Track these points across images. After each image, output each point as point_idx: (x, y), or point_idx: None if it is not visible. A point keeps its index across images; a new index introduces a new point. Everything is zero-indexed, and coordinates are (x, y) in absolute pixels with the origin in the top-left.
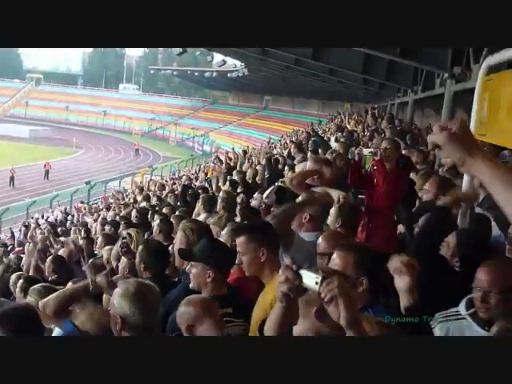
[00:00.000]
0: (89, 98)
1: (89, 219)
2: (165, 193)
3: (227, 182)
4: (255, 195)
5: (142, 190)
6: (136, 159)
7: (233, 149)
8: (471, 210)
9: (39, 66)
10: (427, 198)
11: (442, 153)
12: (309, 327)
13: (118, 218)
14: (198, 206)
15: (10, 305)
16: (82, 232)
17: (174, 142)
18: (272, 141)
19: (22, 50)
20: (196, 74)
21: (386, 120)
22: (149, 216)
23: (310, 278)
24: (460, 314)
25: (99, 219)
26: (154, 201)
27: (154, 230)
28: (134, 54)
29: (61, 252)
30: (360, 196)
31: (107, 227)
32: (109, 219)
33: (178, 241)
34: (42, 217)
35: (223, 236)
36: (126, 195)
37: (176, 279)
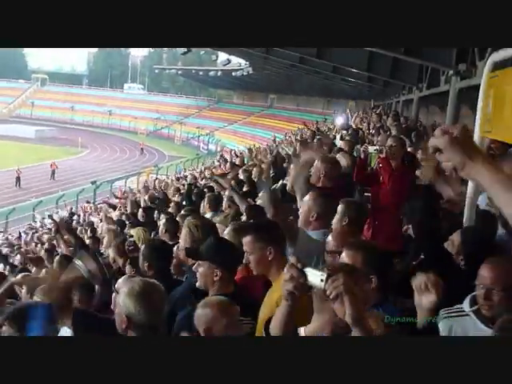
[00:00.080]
0: (94, 97)
1: (95, 219)
2: (170, 192)
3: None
4: (260, 194)
5: (147, 189)
6: (141, 159)
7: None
8: (477, 208)
9: (44, 66)
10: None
11: (442, 156)
12: (325, 322)
13: (123, 217)
14: (204, 204)
15: (17, 305)
16: (88, 232)
17: (179, 141)
18: (277, 139)
19: (26, 51)
20: (201, 73)
21: (391, 117)
22: (155, 215)
23: (315, 276)
24: (464, 311)
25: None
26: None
27: (160, 229)
28: (138, 53)
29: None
30: (366, 194)
31: (113, 226)
32: (115, 219)
33: (183, 238)
34: (50, 216)
35: (225, 236)
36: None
37: (180, 277)
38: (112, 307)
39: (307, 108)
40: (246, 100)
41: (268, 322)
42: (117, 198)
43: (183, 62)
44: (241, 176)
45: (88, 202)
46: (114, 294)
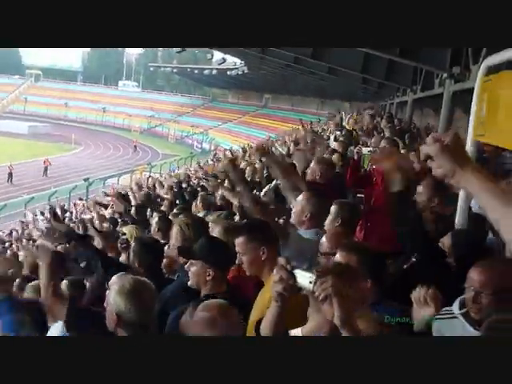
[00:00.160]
0: (88, 94)
1: (87, 216)
2: (163, 190)
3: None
4: (264, 191)
5: (140, 187)
6: (135, 156)
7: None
8: (469, 210)
9: (38, 62)
10: (421, 201)
11: (433, 163)
12: (322, 321)
13: (116, 215)
14: (197, 203)
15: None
16: (80, 229)
17: (173, 139)
18: (271, 139)
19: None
20: (196, 71)
21: (384, 119)
22: (148, 213)
23: (304, 278)
24: (453, 313)
25: (97, 216)
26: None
27: (153, 227)
28: (133, 51)
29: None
30: (359, 195)
31: (106, 224)
32: (107, 216)
33: (174, 236)
34: (42, 213)
35: (216, 235)
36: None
37: (171, 276)
38: (105, 304)
39: (301, 108)
40: (241, 99)
41: (259, 322)
42: (108, 195)
43: (178, 61)
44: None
45: (80, 199)
46: (107, 291)
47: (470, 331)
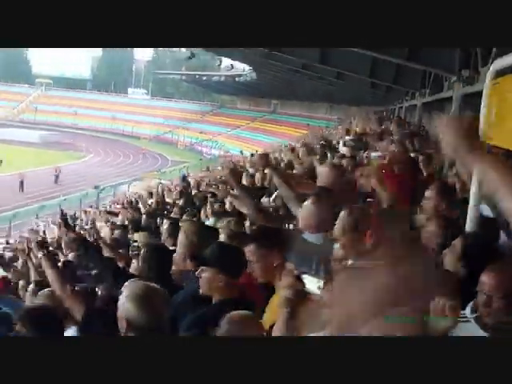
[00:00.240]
0: (98, 102)
1: (98, 223)
2: (173, 196)
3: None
4: (263, 199)
5: (150, 194)
6: (144, 163)
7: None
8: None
9: (48, 71)
10: (428, 206)
11: (446, 137)
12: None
13: (126, 222)
14: (206, 209)
15: (31, 305)
16: (91, 237)
17: (182, 146)
18: (281, 145)
19: (31, 56)
20: (204, 78)
21: (394, 123)
22: (158, 220)
23: (312, 283)
24: (466, 317)
25: (108, 223)
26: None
27: (163, 234)
28: (142, 58)
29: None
30: (368, 199)
31: (116, 231)
32: (118, 223)
33: (180, 243)
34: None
35: None
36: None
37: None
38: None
39: (310, 113)
40: (250, 105)
41: (271, 327)
42: (117, 203)
43: (187, 68)
44: (244, 181)
45: (91, 207)
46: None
47: (483, 335)
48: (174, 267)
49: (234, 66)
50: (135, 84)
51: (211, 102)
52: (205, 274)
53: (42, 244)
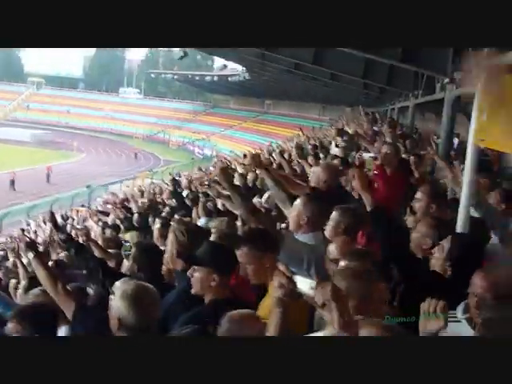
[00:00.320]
0: (90, 101)
1: (89, 223)
2: (165, 196)
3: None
4: (255, 199)
5: (142, 193)
6: (136, 163)
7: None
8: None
9: (40, 69)
10: (419, 207)
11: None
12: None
13: (117, 221)
14: (198, 209)
15: (28, 303)
16: (81, 237)
17: (174, 145)
18: (273, 145)
19: (23, 54)
20: (197, 78)
21: (386, 124)
22: (150, 220)
23: (304, 283)
24: (456, 317)
25: (100, 223)
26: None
27: (155, 234)
28: (135, 57)
29: (62, 256)
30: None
31: (108, 231)
32: (110, 223)
33: (169, 243)
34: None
35: None
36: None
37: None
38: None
39: (303, 114)
40: (242, 105)
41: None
42: (108, 203)
43: (179, 67)
44: (236, 181)
45: (83, 206)
46: (110, 296)
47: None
48: (164, 267)
49: (226, 66)
50: (127, 83)
51: (204, 101)
52: (197, 274)
53: (32, 245)
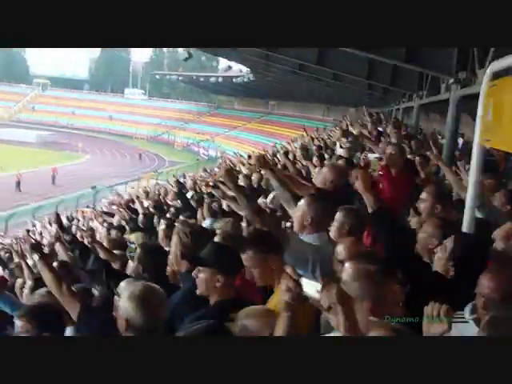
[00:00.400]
0: (95, 103)
1: (94, 224)
2: (170, 197)
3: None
4: (260, 200)
5: (147, 194)
6: (141, 163)
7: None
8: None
9: (46, 71)
10: (424, 208)
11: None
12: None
13: (123, 222)
14: (203, 210)
15: (36, 302)
16: (86, 238)
17: (179, 146)
18: (277, 145)
19: (28, 56)
20: (201, 79)
21: (391, 125)
22: (155, 221)
23: (311, 286)
24: (464, 318)
25: (105, 224)
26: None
27: (159, 235)
28: (139, 59)
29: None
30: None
31: (113, 232)
32: (115, 224)
33: (173, 244)
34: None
35: None
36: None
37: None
38: (114, 311)
39: (307, 114)
40: (247, 106)
41: None
42: (113, 204)
43: (184, 68)
44: (241, 182)
45: (88, 207)
46: (115, 297)
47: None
48: (168, 268)
49: (231, 67)
50: (132, 84)
51: (208, 102)
52: (202, 275)
53: (37, 246)
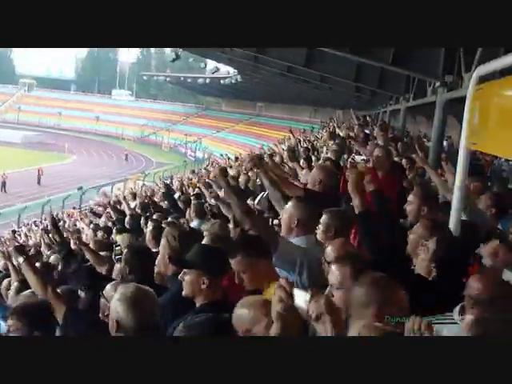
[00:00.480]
0: (81, 103)
1: (81, 225)
2: (157, 198)
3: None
4: (247, 201)
5: (134, 195)
6: (129, 165)
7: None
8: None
9: (32, 71)
10: (410, 210)
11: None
12: (361, 327)
13: (109, 223)
14: (190, 212)
15: (25, 300)
16: (75, 238)
17: (166, 147)
18: (264, 147)
19: (14, 55)
20: (189, 80)
21: (378, 127)
22: (142, 222)
23: (300, 297)
24: (453, 319)
25: (91, 225)
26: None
27: (147, 236)
28: (127, 59)
29: (52, 259)
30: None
31: (99, 233)
32: (101, 225)
33: (162, 247)
34: (35, 223)
35: None
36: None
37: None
38: (100, 314)
39: (295, 117)
40: (234, 108)
41: None
42: (100, 205)
43: (172, 69)
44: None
45: (74, 208)
46: (101, 299)
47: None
48: (156, 270)
49: (219, 69)
50: (119, 85)
51: (196, 104)
52: (187, 277)
53: (21, 249)
